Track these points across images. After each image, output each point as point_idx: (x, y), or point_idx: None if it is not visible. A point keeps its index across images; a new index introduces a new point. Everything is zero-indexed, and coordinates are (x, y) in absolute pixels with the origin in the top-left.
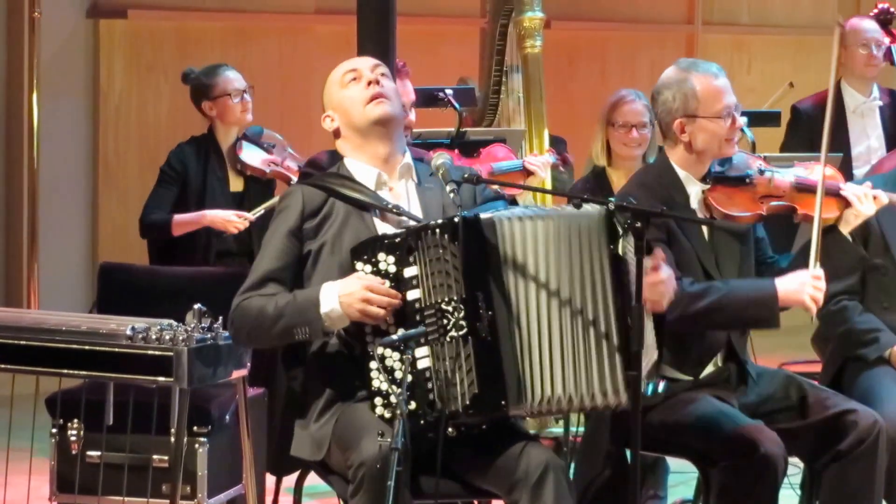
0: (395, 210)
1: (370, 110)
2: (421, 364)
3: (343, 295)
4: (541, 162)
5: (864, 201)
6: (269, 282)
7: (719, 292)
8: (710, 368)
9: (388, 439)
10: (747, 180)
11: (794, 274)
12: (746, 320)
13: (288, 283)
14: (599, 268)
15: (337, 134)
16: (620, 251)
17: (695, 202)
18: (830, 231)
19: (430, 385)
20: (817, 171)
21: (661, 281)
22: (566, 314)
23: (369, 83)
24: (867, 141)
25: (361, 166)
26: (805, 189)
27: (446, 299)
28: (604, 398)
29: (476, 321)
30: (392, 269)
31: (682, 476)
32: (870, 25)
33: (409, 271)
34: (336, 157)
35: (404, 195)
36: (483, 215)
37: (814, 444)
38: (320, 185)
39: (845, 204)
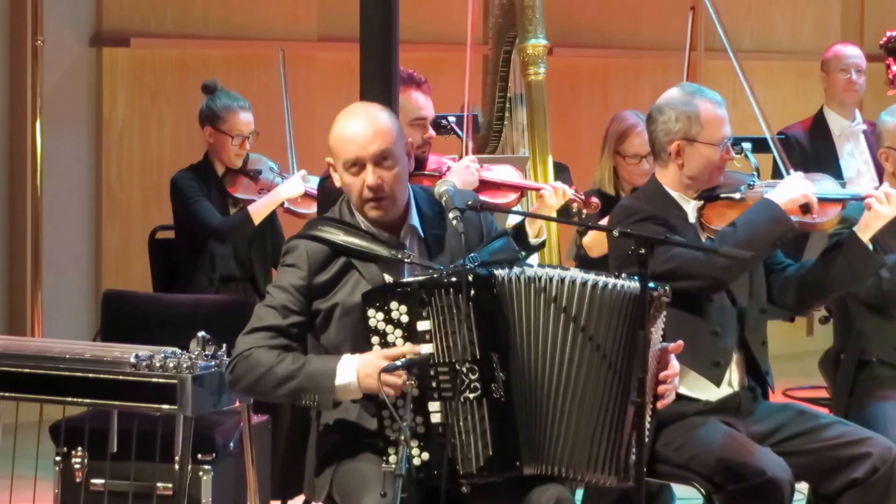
0: (405, 258)
1: (367, 211)
2: (434, 418)
3: (362, 370)
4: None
5: (884, 202)
6: (278, 334)
7: (734, 236)
8: (726, 390)
9: (390, 499)
10: (738, 196)
11: (779, 186)
12: (772, 241)
13: (295, 338)
14: (620, 347)
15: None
16: (648, 330)
17: (692, 217)
18: (851, 238)
19: (442, 440)
20: (814, 178)
21: (674, 374)
22: (583, 386)
23: (370, 187)
24: (856, 165)
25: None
26: None
27: (460, 359)
28: (604, 475)
29: (491, 382)
30: (405, 318)
31: (686, 503)
32: (852, 51)
33: (423, 325)
34: None
35: (413, 247)
36: (497, 272)
37: (825, 470)
38: (322, 239)
39: (840, 208)
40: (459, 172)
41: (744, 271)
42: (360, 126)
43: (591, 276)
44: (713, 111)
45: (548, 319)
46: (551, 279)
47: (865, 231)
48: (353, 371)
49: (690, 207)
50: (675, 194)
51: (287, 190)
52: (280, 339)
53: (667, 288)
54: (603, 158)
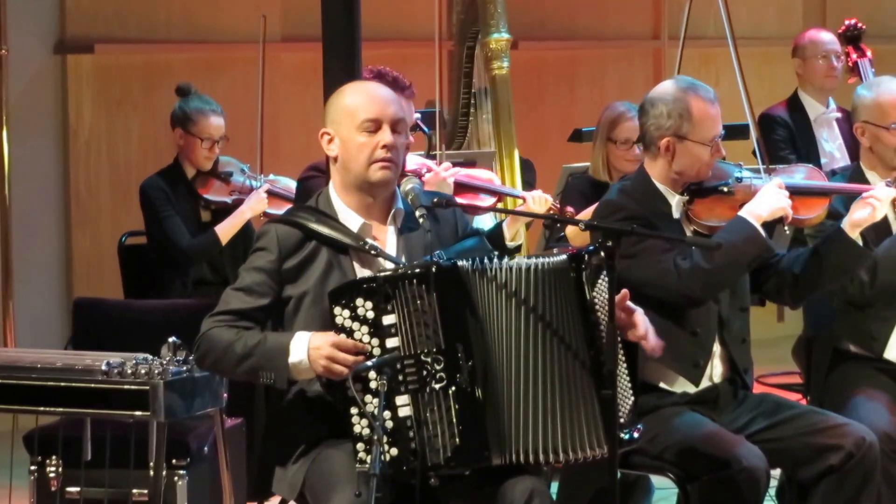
0: (372, 251)
1: (372, 173)
2: (402, 412)
3: (312, 349)
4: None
5: (879, 204)
6: (241, 318)
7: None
8: (705, 383)
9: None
10: (725, 189)
11: (758, 195)
12: (747, 262)
13: (260, 321)
14: (571, 319)
15: (334, 160)
16: (589, 296)
17: (677, 212)
18: (840, 236)
19: (411, 433)
20: (799, 171)
21: (633, 310)
22: (543, 366)
23: (385, 146)
24: (830, 150)
25: (347, 211)
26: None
27: (426, 350)
28: (583, 451)
29: (456, 372)
30: (370, 314)
31: (662, 492)
32: (828, 37)
33: (388, 319)
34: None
35: (388, 240)
36: (460, 263)
37: (800, 457)
38: (295, 222)
39: (828, 202)
40: (434, 184)
41: (721, 289)
42: (381, 90)
43: (532, 260)
44: (705, 109)
45: (502, 307)
46: (500, 268)
47: (854, 229)
48: (304, 349)
49: (676, 202)
50: (661, 187)
51: (251, 208)
52: (243, 321)
53: (602, 253)
54: (596, 147)
